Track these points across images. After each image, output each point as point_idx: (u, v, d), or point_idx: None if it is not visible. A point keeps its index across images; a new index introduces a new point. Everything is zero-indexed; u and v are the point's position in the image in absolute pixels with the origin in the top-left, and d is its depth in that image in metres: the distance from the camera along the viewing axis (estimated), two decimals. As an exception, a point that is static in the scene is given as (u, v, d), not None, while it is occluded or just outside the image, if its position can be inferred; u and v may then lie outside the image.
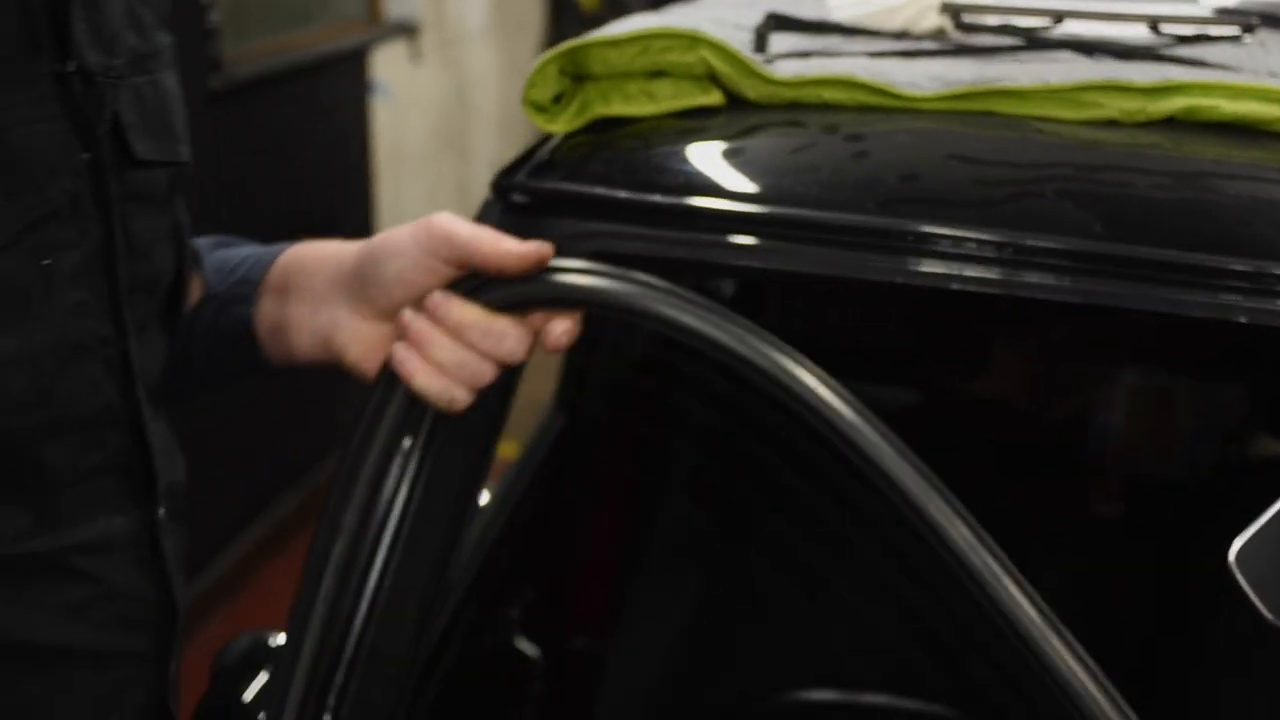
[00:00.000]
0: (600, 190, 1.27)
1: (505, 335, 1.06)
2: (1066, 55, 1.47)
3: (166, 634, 1.07)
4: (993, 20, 1.55)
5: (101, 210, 0.97)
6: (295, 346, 1.16)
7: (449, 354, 1.05)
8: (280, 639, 1.40)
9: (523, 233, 1.24)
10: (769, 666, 1.84)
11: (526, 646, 1.98)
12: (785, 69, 1.38)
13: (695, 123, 1.33)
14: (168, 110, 1.07)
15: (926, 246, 1.20)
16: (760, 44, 1.47)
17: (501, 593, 1.97)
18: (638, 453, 2.29)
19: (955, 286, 1.19)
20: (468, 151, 6.13)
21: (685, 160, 1.29)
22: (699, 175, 1.27)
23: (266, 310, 1.18)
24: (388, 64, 5.07)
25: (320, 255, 1.18)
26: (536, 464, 2.12)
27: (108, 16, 0.99)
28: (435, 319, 1.06)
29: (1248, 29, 1.60)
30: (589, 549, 2.21)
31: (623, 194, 1.26)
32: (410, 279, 1.08)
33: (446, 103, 5.91)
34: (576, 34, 1.41)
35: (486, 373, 1.07)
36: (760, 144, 1.31)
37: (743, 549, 2.19)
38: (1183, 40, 1.55)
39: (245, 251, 1.25)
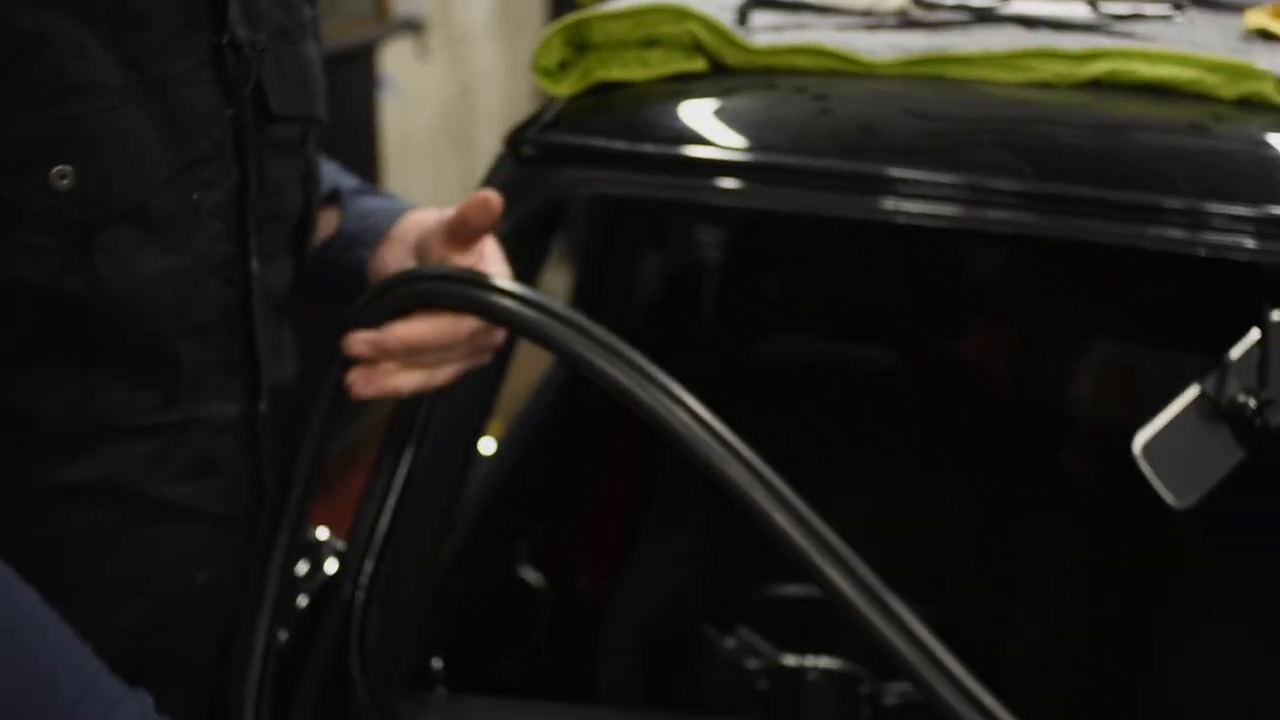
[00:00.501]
0: (600, 142, 1.46)
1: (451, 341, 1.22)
2: (1011, 29, 1.66)
3: (254, 509, 1.26)
4: (949, 2, 1.74)
5: (240, 157, 1.15)
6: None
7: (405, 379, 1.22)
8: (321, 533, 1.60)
9: (532, 180, 1.44)
10: (749, 570, 2.03)
11: (532, 576, 2.17)
12: (761, 40, 1.57)
13: (683, 85, 1.53)
14: (306, 75, 1.25)
15: (882, 187, 1.39)
16: (742, 19, 1.66)
17: (510, 530, 2.16)
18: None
19: (904, 221, 1.38)
20: (471, 145, 6.31)
21: (674, 116, 1.48)
22: (686, 129, 1.46)
23: (379, 256, 1.38)
24: (395, 60, 5.26)
25: (420, 219, 1.38)
26: (541, 414, 2.31)
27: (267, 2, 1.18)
28: (385, 351, 1.22)
29: (1177, 7, 1.80)
30: (594, 491, 2.40)
31: (620, 145, 1.45)
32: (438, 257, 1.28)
33: (451, 98, 6.10)
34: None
35: (446, 372, 1.24)
36: (739, 103, 1.51)
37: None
38: (1119, 18, 1.74)
39: (383, 203, 1.44)
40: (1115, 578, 2.24)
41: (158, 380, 1.11)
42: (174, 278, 1.09)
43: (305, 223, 1.28)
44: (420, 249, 1.32)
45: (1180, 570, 2.12)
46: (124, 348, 1.08)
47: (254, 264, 1.18)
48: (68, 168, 1.00)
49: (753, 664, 1.86)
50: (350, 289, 1.34)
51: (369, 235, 1.40)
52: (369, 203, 1.44)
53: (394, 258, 1.36)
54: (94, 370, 1.08)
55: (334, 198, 1.44)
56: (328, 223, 1.42)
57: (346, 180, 1.49)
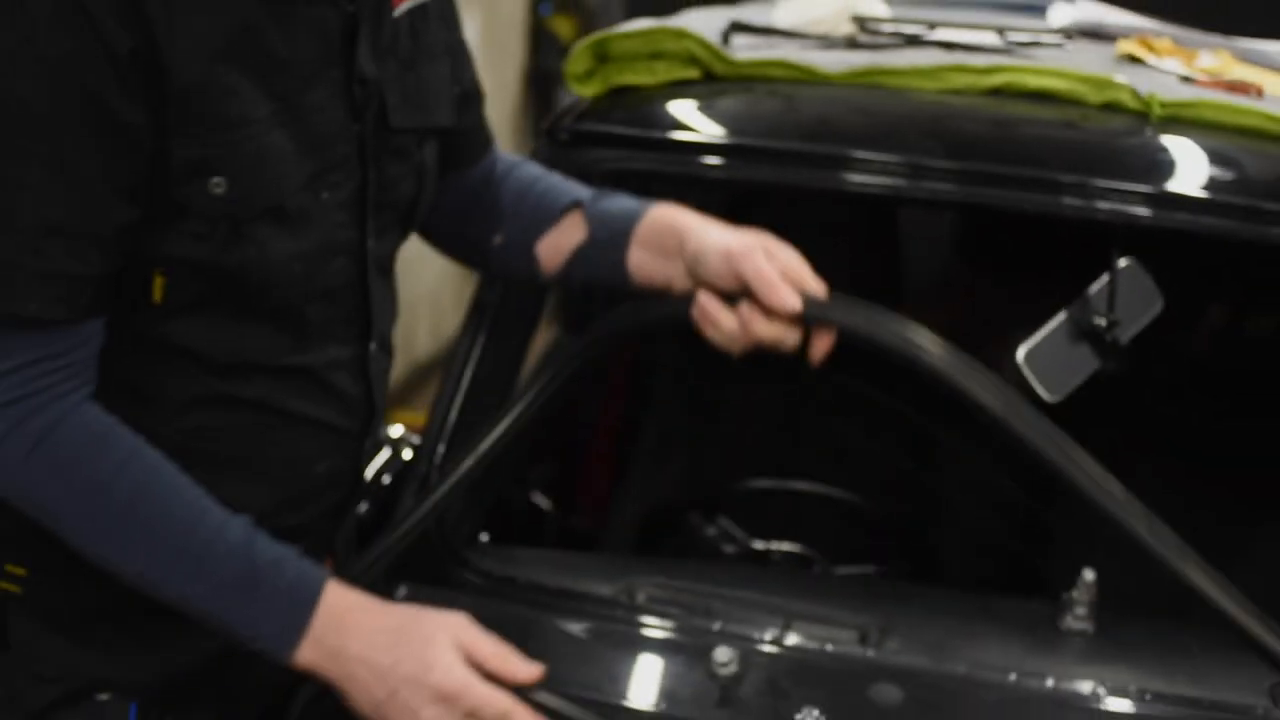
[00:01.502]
0: (617, 129, 1.93)
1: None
2: (933, 50, 2.14)
3: (366, 422, 1.64)
4: (887, 28, 2.22)
5: (362, 162, 1.51)
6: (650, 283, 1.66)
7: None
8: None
9: (565, 160, 1.91)
10: (727, 471, 2.49)
11: (541, 500, 2.62)
12: (742, 55, 2.05)
13: (682, 88, 2.00)
14: (426, 92, 1.59)
15: (835, 164, 1.86)
16: (726, 39, 2.14)
17: (522, 461, 2.60)
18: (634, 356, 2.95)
19: (851, 190, 1.86)
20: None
21: (675, 111, 1.95)
22: (684, 120, 1.93)
23: (634, 259, 1.65)
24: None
25: (673, 223, 1.64)
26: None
27: (385, 34, 1.52)
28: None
29: (1068, 36, 2.29)
30: (593, 430, 2.87)
31: (632, 131, 1.92)
32: (712, 280, 1.58)
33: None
34: (554, 60, 2.08)
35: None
36: (726, 101, 1.98)
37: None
38: (1020, 44, 2.22)
39: (619, 203, 1.69)
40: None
41: (290, 331, 1.51)
42: (301, 258, 1.47)
43: (415, 205, 1.64)
44: (691, 255, 1.60)
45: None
46: (265, 307, 1.47)
47: (370, 243, 1.56)
48: (221, 178, 1.38)
49: (729, 548, 2.31)
50: (607, 284, 1.70)
51: (618, 239, 1.67)
52: (609, 206, 1.70)
53: (647, 261, 1.65)
54: (245, 322, 1.47)
55: (576, 205, 1.71)
56: (575, 229, 1.70)
57: (580, 190, 1.74)
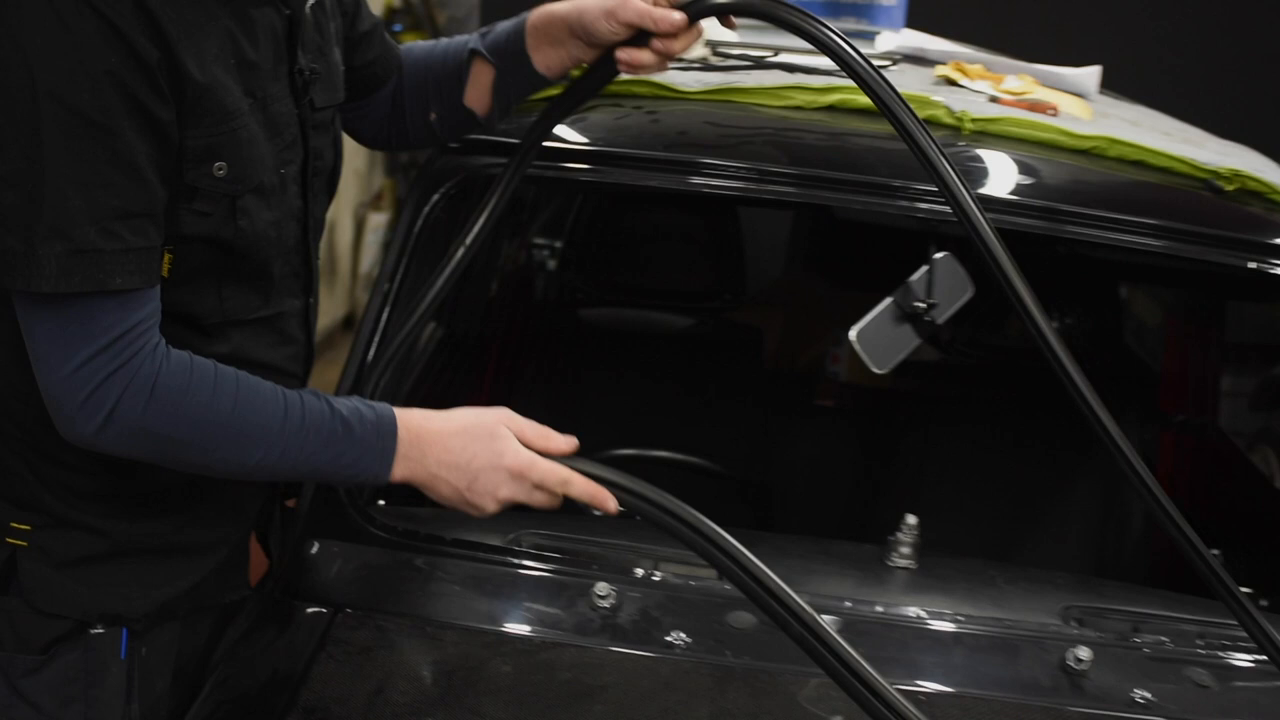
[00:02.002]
0: (503, 139, 2.18)
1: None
2: (777, 72, 2.43)
3: (307, 364, 1.90)
4: (737, 52, 2.51)
5: (303, 140, 1.79)
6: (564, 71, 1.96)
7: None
8: None
9: (453, 165, 2.16)
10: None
11: None
12: (611, 74, 2.32)
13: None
14: (334, 76, 1.89)
15: (692, 169, 2.14)
16: (594, 61, 2.40)
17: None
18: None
19: (706, 192, 2.14)
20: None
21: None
22: (561, 130, 2.19)
23: (537, 57, 1.95)
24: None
25: (550, 14, 1.92)
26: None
27: (312, 35, 1.81)
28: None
29: (894, 61, 2.60)
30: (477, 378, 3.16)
31: (514, 140, 2.18)
32: (609, 40, 1.86)
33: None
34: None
35: None
36: (597, 114, 2.24)
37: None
38: (853, 67, 2.52)
39: (498, 28, 2.00)
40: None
41: (261, 289, 1.77)
42: (275, 225, 1.74)
43: (335, 172, 1.93)
44: (582, 31, 1.89)
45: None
46: (246, 270, 1.73)
47: (310, 207, 1.84)
48: (223, 163, 1.64)
49: (596, 511, 2.57)
50: (532, 92, 2.03)
51: (519, 57, 1.97)
52: (496, 38, 2.00)
53: (551, 56, 1.96)
54: (227, 285, 1.73)
55: (474, 54, 2.00)
56: (484, 72, 2.01)
57: (466, 41, 2.04)
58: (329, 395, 1.73)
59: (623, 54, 1.88)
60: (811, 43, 1.88)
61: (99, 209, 1.52)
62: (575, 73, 2.03)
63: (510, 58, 1.99)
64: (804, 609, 1.64)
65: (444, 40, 2.09)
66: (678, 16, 1.85)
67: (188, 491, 1.77)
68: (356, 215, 6.47)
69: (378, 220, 6.52)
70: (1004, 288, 1.85)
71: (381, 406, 1.73)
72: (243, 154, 1.66)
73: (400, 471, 1.71)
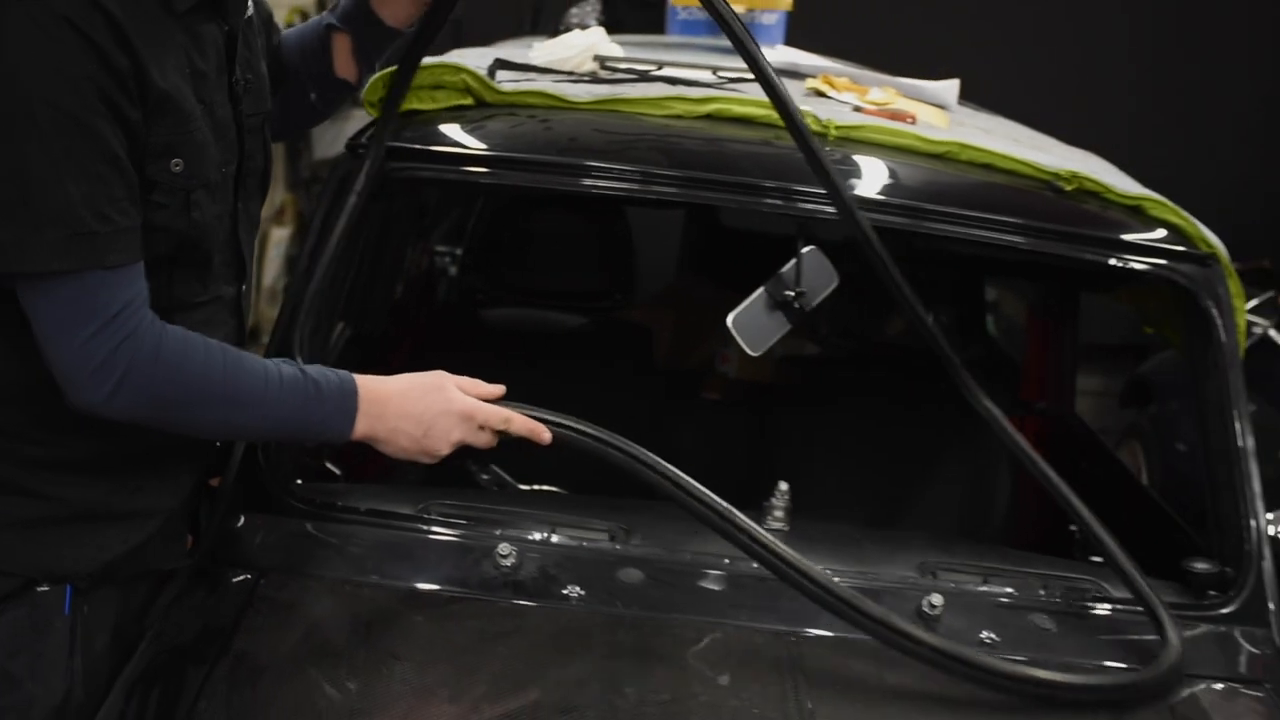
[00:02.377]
0: (410, 145, 2.37)
1: None
2: (660, 84, 2.64)
3: (240, 346, 2.04)
4: (623, 66, 2.72)
5: (240, 143, 1.99)
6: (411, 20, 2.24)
7: None
8: None
9: (364, 169, 2.35)
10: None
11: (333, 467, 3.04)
12: (507, 86, 2.52)
13: (459, 112, 2.45)
14: (262, 86, 2.09)
15: (582, 172, 2.35)
16: (492, 74, 2.60)
17: None
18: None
19: (595, 193, 2.35)
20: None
21: (454, 130, 2.40)
22: (463, 137, 2.39)
23: (389, 15, 2.23)
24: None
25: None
26: None
27: (243, 49, 2.00)
28: None
29: (769, 75, 2.83)
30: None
31: (422, 147, 2.37)
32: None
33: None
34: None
35: None
36: (494, 123, 2.44)
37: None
38: (730, 80, 2.74)
39: None
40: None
41: (202, 276, 1.96)
42: (218, 217, 1.95)
43: (266, 174, 2.14)
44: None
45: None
46: (193, 258, 1.92)
47: (240, 205, 2.04)
48: (180, 159, 1.84)
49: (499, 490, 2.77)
50: (391, 45, 2.30)
51: (368, 16, 2.25)
52: (342, 7, 2.27)
53: (393, 6, 2.24)
54: (177, 272, 1.92)
55: (329, 28, 2.27)
56: (343, 42, 2.27)
57: (320, 18, 2.31)
58: (295, 361, 1.96)
59: None
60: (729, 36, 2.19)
61: (91, 196, 1.72)
62: None
63: (360, 21, 2.26)
64: (717, 502, 2.02)
65: (300, 25, 2.33)
66: None
67: (129, 462, 1.95)
68: (259, 231, 6.60)
69: (280, 235, 6.66)
70: (883, 277, 2.11)
71: (341, 372, 1.96)
72: (197, 153, 1.87)
73: (362, 427, 1.95)
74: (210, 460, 2.16)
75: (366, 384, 1.97)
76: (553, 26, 4.61)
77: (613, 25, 4.41)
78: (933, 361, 3.61)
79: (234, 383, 1.87)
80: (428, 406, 1.98)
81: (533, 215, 3.57)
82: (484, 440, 2.02)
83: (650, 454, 2.03)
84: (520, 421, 2.03)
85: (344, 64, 2.30)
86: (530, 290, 3.61)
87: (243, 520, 2.17)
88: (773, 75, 2.17)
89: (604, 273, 3.69)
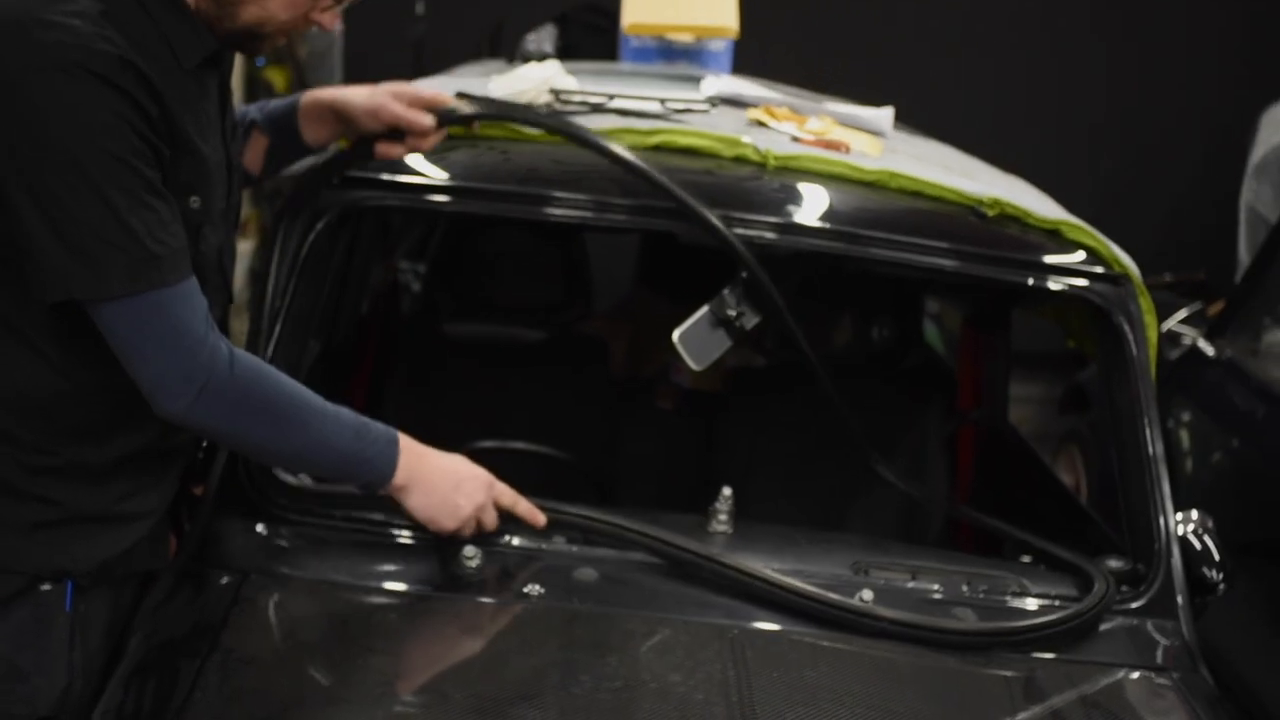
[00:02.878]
0: (376, 175, 2.54)
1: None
2: (612, 116, 2.82)
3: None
4: (576, 99, 2.89)
5: (228, 180, 2.16)
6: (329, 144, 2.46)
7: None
8: None
9: (331, 198, 2.51)
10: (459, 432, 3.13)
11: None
12: (469, 119, 2.69)
13: (424, 144, 2.63)
14: (236, 128, 2.27)
15: (541, 201, 2.52)
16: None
17: None
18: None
19: (553, 219, 2.52)
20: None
21: (419, 160, 2.57)
22: (426, 167, 2.56)
23: (310, 136, 2.43)
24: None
25: (320, 100, 2.43)
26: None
27: (229, 96, 2.21)
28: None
29: (713, 105, 3.01)
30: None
31: (388, 176, 2.53)
32: (370, 131, 2.39)
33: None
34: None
35: None
36: (457, 154, 2.61)
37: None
38: (677, 111, 2.92)
39: (274, 105, 2.46)
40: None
41: (208, 292, 2.11)
42: (218, 248, 2.15)
43: (240, 207, 2.33)
44: (347, 120, 2.41)
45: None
46: (201, 281, 2.08)
47: (226, 235, 2.22)
48: (198, 196, 2.05)
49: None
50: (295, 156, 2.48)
51: (290, 133, 2.45)
52: (273, 112, 2.47)
53: (320, 133, 2.45)
54: None
55: (252, 125, 2.44)
56: (259, 141, 2.45)
57: (247, 111, 2.47)
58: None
59: (381, 146, 2.43)
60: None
61: (147, 224, 1.93)
62: (341, 143, 2.51)
63: (284, 131, 2.47)
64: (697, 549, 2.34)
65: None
66: (428, 121, 2.40)
67: (126, 468, 2.13)
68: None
69: (243, 248, 6.81)
70: (756, 283, 2.41)
71: (384, 426, 2.18)
72: (210, 191, 2.08)
73: (402, 473, 2.18)
74: (191, 466, 2.33)
75: (406, 441, 2.20)
76: (511, 51, 4.79)
77: (568, 50, 4.62)
78: (873, 373, 3.85)
79: (299, 404, 2.08)
80: (459, 466, 2.25)
81: (493, 234, 3.76)
82: (491, 518, 2.27)
83: (635, 523, 2.32)
84: (525, 505, 2.30)
85: (253, 159, 2.48)
86: (491, 304, 3.80)
87: (226, 523, 2.33)
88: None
89: (562, 287, 3.88)
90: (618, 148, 2.47)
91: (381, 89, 2.40)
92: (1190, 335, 4.96)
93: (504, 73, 2.99)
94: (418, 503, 2.19)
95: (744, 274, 2.52)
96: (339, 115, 2.43)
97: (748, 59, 4.28)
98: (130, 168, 1.91)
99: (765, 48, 4.53)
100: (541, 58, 4.43)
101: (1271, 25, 7.31)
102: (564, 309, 3.84)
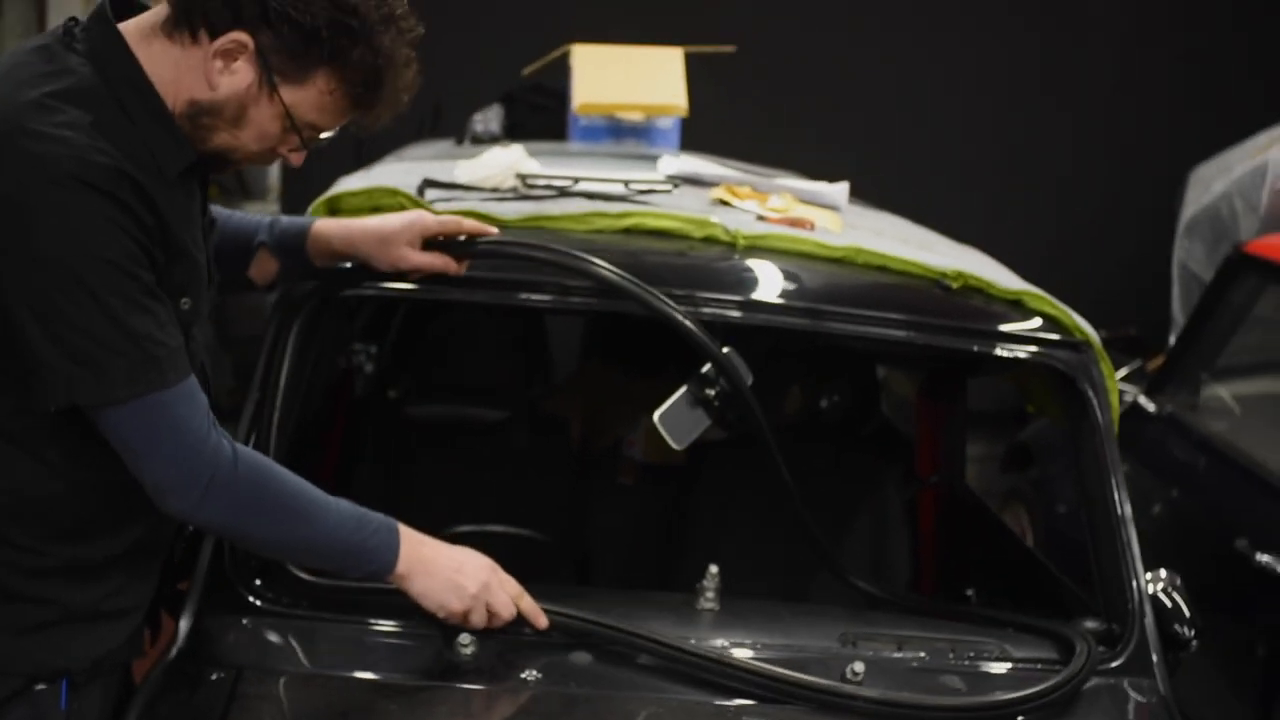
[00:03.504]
0: (354, 270, 2.56)
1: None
2: (579, 199, 2.86)
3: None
4: (541, 182, 2.94)
5: (209, 275, 2.17)
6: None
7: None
8: None
9: (314, 288, 2.53)
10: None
11: None
12: (441, 206, 2.72)
13: (397, 233, 2.65)
14: (209, 227, 2.28)
15: (514, 288, 2.55)
16: (420, 192, 2.80)
17: None
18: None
19: (529, 305, 2.56)
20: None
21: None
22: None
23: (317, 259, 2.46)
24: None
25: (329, 237, 2.45)
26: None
27: (206, 208, 2.23)
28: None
29: (675, 185, 3.06)
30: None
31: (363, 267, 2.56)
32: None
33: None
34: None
35: None
36: (430, 241, 2.63)
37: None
38: (641, 192, 2.97)
39: (288, 228, 2.47)
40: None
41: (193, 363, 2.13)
42: (202, 341, 2.17)
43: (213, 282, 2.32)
44: (353, 255, 2.46)
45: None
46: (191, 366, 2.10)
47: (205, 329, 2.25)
48: (189, 298, 2.07)
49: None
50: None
51: (299, 254, 2.47)
52: (283, 234, 2.47)
53: (327, 259, 2.48)
54: None
55: (262, 245, 2.46)
56: (268, 258, 2.48)
57: (257, 229, 2.48)
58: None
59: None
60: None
61: (146, 326, 1.94)
62: None
63: (293, 254, 2.48)
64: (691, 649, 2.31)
65: (230, 215, 2.51)
66: (441, 265, 2.48)
67: (114, 565, 2.13)
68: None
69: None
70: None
71: (382, 515, 2.18)
72: (200, 292, 2.09)
73: (404, 561, 2.17)
74: (170, 559, 2.33)
75: (405, 529, 2.21)
76: (455, 131, 4.84)
77: (514, 129, 4.68)
78: (833, 440, 3.89)
79: (301, 497, 2.09)
80: (457, 552, 2.24)
81: (452, 314, 3.79)
82: (503, 602, 2.24)
83: (627, 627, 2.31)
84: (528, 602, 2.27)
85: (261, 273, 2.50)
86: (453, 385, 3.81)
87: (215, 619, 2.33)
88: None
89: (523, 366, 3.91)
90: (618, 275, 2.49)
91: (394, 226, 2.44)
92: (1131, 392, 5.05)
93: (456, 155, 3.03)
94: (421, 588, 2.19)
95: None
96: (347, 251, 2.47)
97: (691, 135, 4.36)
98: (127, 273, 1.93)
99: (710, 123, 4.60)
100: (491, 138, 4.50)
101: (1193, 93, 7.53)
102: (525, 387, 3.87)
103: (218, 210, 2.48)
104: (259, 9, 1.96)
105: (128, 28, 2.03)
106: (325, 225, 2.48)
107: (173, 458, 1.98)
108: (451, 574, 2.20)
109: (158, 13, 2.03)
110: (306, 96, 2.04)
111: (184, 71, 2.02)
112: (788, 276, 2.68)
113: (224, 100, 2.02)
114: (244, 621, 2.33)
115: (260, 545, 2.18)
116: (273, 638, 2.31)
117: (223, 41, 1.98)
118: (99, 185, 1.90)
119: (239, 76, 2.01)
